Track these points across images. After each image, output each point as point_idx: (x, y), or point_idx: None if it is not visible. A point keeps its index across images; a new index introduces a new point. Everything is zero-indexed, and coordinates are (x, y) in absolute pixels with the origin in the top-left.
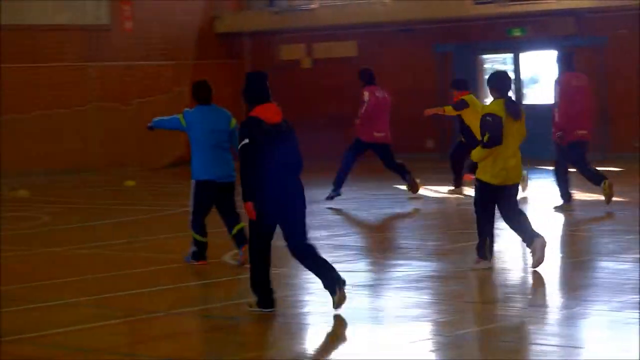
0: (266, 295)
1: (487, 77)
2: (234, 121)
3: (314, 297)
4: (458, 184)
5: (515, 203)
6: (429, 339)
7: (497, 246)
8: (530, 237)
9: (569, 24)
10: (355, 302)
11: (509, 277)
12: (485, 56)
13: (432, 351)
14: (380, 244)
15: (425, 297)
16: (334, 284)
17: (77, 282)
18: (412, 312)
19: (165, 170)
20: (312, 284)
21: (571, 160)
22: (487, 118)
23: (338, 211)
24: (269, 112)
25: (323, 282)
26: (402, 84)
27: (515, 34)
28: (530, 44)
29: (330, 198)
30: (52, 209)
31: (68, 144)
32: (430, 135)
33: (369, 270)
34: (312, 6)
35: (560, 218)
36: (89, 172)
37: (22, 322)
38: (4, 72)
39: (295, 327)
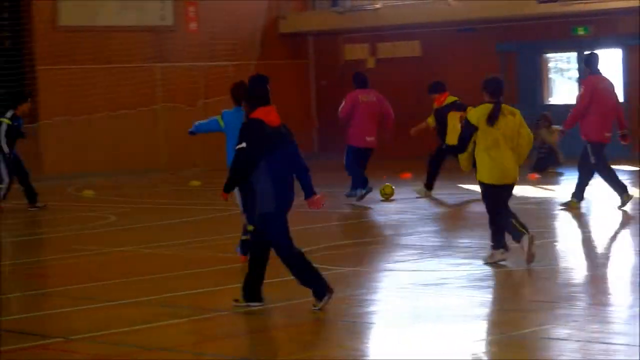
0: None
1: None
2: None
3: (378, 296)
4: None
5: (506, 202)
6: (492, 338)
7: (561, 246)
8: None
9: (633, 22)
10: (420, 301)
11: (572, 275)
12: (548, 55)
13: (496, 350)
14: (444, 243)
15: (489, 296)
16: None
17: (144, 281)
18: (475, 311)
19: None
20: (377, 282)
21: (581, 159)
22: (462, 123)
23: (402, 210)
24: (271, 115)
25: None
26: (465, 84)
27: (580, 33)
28: (595, 42)
29: (361, 197)
30: (119, 209)
31: (134, 145)
32: None
33: (434, 270)
34: (376, 6)
35: (621, 215)
36: (155, 173)
37: (90, 321)
38: (72, 73)
39: (359, 327)
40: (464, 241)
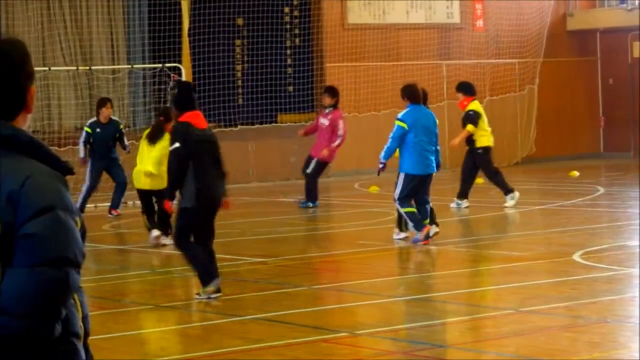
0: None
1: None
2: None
3: None
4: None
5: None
6: None
7: None
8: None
9: None
10: None
11: None
12: None
13: None
14: None
15: None
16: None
17: (425, 278)
18: None
19: (515, 168)
20: None
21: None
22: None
23: None
24: (198, 119)
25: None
26: None
27: None
28: None
29: None
30: None
31: None
32: None
33: None
34: None
35: None
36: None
37: (376, 316)
38: (359, 70)
39: None
40: None
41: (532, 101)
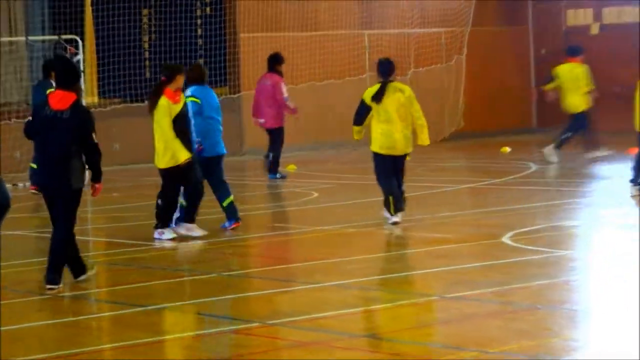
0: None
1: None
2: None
3: (602, 283)
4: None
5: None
6: None
7: None
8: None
9: None
10: None
11: None
12: None
13: None
14: None
15: None
16: (80, 269)
17: (347, 263)
18: None
19: (442, 144)
20: (601, 268)
21: None
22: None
23: None
24: (55, 98)
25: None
26: None
27: None
28: None
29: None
30: (322, 185)
31: (340, 116)
32: None
33: None
34: None
35: None
36: (363, 147)
37: (291, 304)
38: (276, 41)
39: (581, 315)
40: None
41: (460, 73)
